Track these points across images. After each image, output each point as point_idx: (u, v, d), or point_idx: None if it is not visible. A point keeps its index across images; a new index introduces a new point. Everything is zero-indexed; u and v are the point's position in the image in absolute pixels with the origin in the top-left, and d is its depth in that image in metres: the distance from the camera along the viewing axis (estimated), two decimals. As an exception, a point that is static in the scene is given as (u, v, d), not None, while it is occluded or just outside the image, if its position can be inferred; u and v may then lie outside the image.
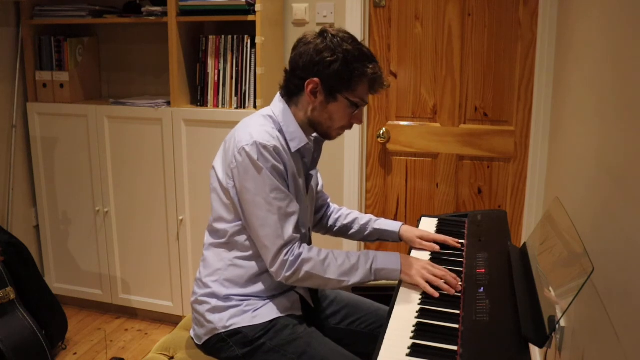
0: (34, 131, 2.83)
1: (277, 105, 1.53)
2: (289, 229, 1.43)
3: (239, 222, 1.49)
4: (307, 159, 1.56)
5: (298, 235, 1.46)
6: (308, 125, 1.52)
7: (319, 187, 1.78)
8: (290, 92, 1.51)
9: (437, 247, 1.63)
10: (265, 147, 1.41)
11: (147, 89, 2.91)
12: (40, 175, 2.88)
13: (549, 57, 2.33)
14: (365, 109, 2.66)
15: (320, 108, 1.48)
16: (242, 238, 1.50)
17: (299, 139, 1.49)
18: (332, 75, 1.43)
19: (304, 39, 1.48)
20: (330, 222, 1.81)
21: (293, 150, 1.49)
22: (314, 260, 1.43)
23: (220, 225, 1.52)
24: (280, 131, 1.48)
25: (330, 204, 1.84)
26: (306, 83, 1.45)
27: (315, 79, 1.44)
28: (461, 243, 1.66)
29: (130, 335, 2.77)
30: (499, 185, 2.59)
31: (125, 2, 2.71)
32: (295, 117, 1.50)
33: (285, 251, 1.42)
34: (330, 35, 1.44)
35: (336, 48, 1.42)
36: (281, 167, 1.44)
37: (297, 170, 1.51)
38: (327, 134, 1.54)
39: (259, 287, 1.52)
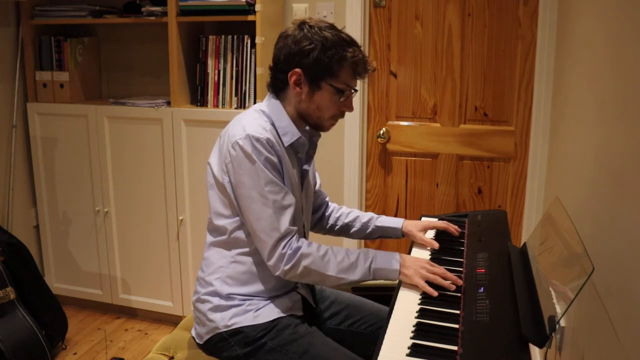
0: (34, 131, 2.83)
1: (269, 101, 1.54)
2: (285, 222, 1.42)
3: (237, 218, 1.49)
4: (301, 154, 1.56)
5: (295, 228, 1.45)
6: (299, 119, 1.52)
7: (317, 187, 1.78)
8: (277, 88, 1.52)
9: (436, 245, 1.64)
10: (258, 139, 1.41)
11: (147, 89, 2.91)
12: (40, 175, 2.88)
13: (549, 57, 2.33)
14: (365, 109, 2.67)
15: (306, 99, 1.48)
16: (242, 234, 1.50)
17: (291, 134, 1.49)
18: (312, 64, 1.44)
19: (283, 33, 1.50)
20: (331, 221, 1.81)
21: (286, 144, 1.49)
22: (313, 256, 1.43)
23: (219, 222, 1.52)
24: (273, 125, 1.49)
25: (329, 203, 1.83)
26: (289, 75, 1.46)
27: (297, 70, 1.45)
28: (461, 232, 1.70)
29: (130, 335, 2.77)
30: (499, 185, 2.59)
31: (125, 2, 2.71)
32: (286, 112, 1.51)
33: (282, 244, 1.42)
34: (307, 26, 1.46)
35: (313, 36, 1.43)
36: (275, 159, 1.44)
37: (291, 165, 1.51)
38: (319, 125, 1.54)
39: (260, 286, 1.52)
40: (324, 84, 1.46)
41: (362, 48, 1.49)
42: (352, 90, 1.50)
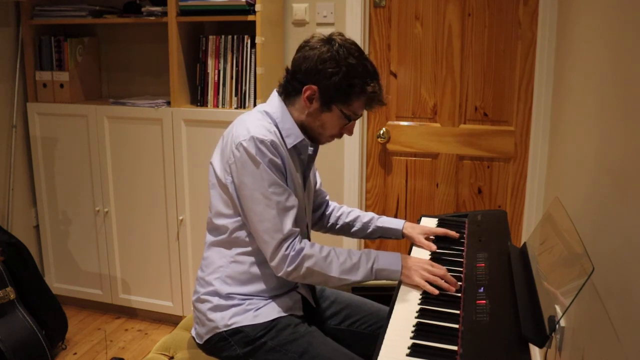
0: (34, 131, 2.83)
1: (274, 102, 1.53)
2: (288, 223, 1.43)
3: (239, 218, 1.50)
4: (304, 155, 1.57)
5: (297, 230, 1.46)
6: (299, 127, 1.53)
7: (317, 185, 1.78)
8: (288, 93, 1.52)
9: (434, 247, 1.64)
10: (262, 141, 1.41)
11: (147, 89, 2.91)
12: (40, 175, 2.88)
13: (549, 57, 2.33)
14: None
15: (313, 115, 1.49)
16: (242, 234, 1.50)
17: (294, 135, 1.50)
18: (331, 87, 1.44)
19: (310, 43, 1.48)
20: (332, 220, 1.81)
21: (289, 146, 1.49)
22: (315, 257, 1.43)
23: (220, 221, 1.52)
24: (277, 127, 1.49)
25: (330, 202, 1.84)
26: (304, 88, 1.46)
27: (314, 87, 1.45)
28: (461, 232, 1.70)
29: (130, 335, 2.77)
30: (499, 185, 2.59)
31: (125, 2, 2.71)
32: (290, 115, 1.51)
33: (285, 245, 1.42)
34: (337, 44, 1.44)
35: (340, 60, 1.43)
36: (279, 161, 1.44)
37: (294, 167, 1.52)
38: (317, 140, 1.56)
39: (260, 286, 1.52)
40: (335, 107, 1.47)
41: (380, 80, 1.49)
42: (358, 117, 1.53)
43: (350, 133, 1.55)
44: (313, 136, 1.54)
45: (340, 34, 1.49)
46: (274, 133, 1.46)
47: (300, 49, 1.49)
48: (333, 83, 1.43)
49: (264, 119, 1.49)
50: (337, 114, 1.48)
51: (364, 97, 1.47)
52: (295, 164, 1.53)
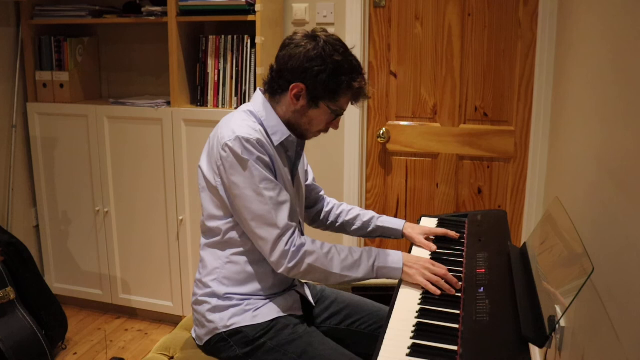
0: (34, 131, 2.83)
1: (258, 100, 1.53)
2: (282, 217, 1.43)
3: (231, 219, 1.49)
4: (291, 152, 1.57)
5: (294, 224, 1.45)
6: (285, 124, 1.53)
7: (309, 181, 1.78)
8: (273, 91, 1.52)
9: (434, 247, 1.64)
10: (248, 140, 1.41)
11: (147, 89, 2.91)
12: (40, 175, 2.88)
13: (549, 57, 2.33)
14: (365, 109, 2.67)
15: (300, 112, 1.49)
16: (235, 234, 1.50)
17: (280, 132, 1.50)
18: (318, 84, 1.44)
19: (295, 40, 1.47)
20: (331, 218, 1.81)
21: (275, 143, 1.49)
22: (317, 253, 1.43)
23: (212, 224, 1.52)
24: (262, 125, 1.49)
25: (327, 198, 1.83)
26: (291, 86, 1.46)
27: (301, 85, 1.45)
28: (461, 232, 1.70)
29: (130, 335, 2.77)
30: (499, 185, 2.59)
31: (125, 2, 2.71)
32: (275, 112, 1.51)
33: (284, 240, 1.42)
34: (322, 41, 1.44)
35: (327, 57, 1.43)
36: (266, 158, 1.44)
37: (282, 164, 1.52)
38: (303, 136, 1.56)
39: (258, 285, 1.52)
40: (322, 104, 1.48)
41: (364, 74, 1.51)
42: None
43: (337, 127, 1.56)
44: (300, 132, 1.54)
45: (324, 30, 1.49)
46: (260, 131, 1.46)
47: (285, 46, 1.48)
48: (321, 81, 1.43)
49: (248, 119, 1.49)
50: (325, 110, 1.48)
51: (351, 93, 1.48)
52: (283, 160, 1.53)
